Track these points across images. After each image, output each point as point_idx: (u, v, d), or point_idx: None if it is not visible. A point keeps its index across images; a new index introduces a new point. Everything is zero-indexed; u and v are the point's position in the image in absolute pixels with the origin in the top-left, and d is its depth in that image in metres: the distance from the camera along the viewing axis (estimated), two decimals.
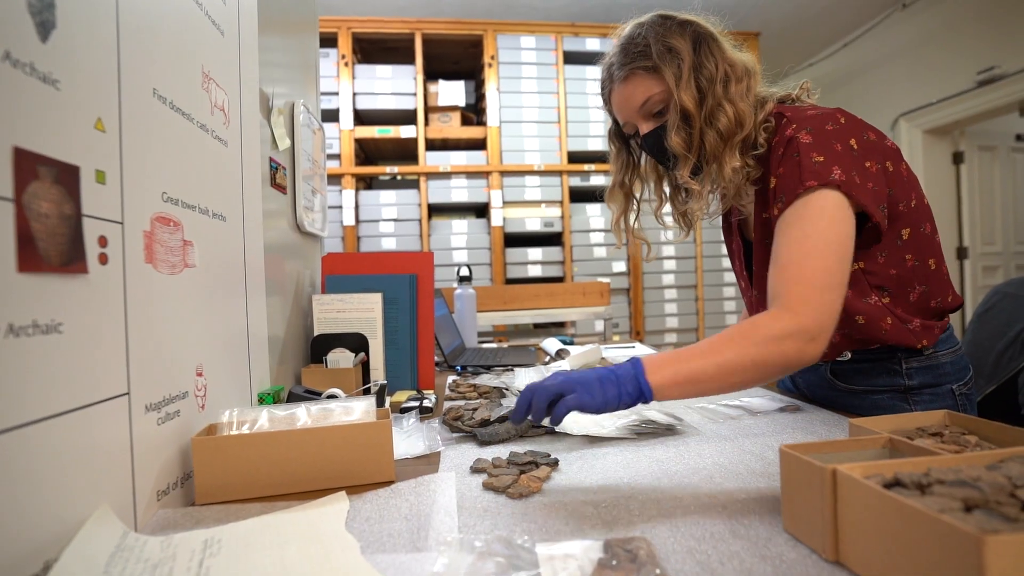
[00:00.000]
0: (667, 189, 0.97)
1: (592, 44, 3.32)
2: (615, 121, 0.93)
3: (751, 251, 0.93)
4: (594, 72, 3.29)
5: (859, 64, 4.18)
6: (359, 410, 0.69)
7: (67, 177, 0.43)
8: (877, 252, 0.81)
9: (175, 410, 0.60)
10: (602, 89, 0.92)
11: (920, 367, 0.85)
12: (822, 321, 0.67)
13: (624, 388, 0.62)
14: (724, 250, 3.38)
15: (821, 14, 3.83)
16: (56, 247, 0.41)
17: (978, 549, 0.29)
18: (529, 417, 0.64)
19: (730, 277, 3.43)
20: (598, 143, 3.27)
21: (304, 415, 0.68)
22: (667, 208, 0.99)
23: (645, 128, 0.86)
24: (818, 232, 0.71)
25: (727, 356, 0.64)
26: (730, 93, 0.80)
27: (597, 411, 0.62)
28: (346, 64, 3.08)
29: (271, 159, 1.00)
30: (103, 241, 0.47)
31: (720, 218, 1.02)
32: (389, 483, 0.62)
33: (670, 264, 3.36)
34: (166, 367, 0.58)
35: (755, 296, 0.93)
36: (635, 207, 0.98)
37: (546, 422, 0.64)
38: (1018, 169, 4.00)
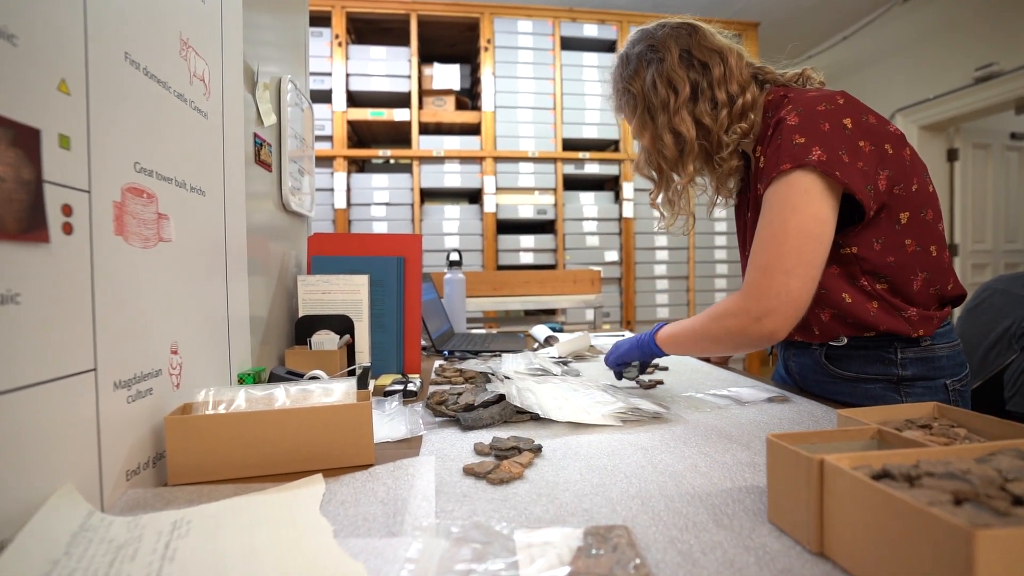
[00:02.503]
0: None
1: (590, 30, 3.28)
2: None
3: None
4: (591, 59, 3.25)
5: (857, 58, 4.16)
6: (339, 392, 0.67)
7: (26, 140, 0.41)
8: (873, 239, 0.80)
9: (147, 388, 0.58)
10: None
11: (916, 358, 0.84)
12: (767, 303, 0.74)
13: (644, 349, 0.91)
14: (716, 242, 3.42)
15: (822, 6, 3.80)
16: (13, 213, 0.39)
17: (968, 543, 0.28)
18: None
19: (721, 269, 3.43)
20: (593, 131, 3.24)
21: (283, 396, 0.66)
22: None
23: None
24: (780, 220, 0.75)
25: (696, 328, 0.83)
26: (672, 119, 0.87)
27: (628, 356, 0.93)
28: (339, 44, 3.03)
29: (256, 135, 0.98)
30: (67, 210, 0.45)
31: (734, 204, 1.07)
32: (368, 466, 0.61)
33: (662, 255, 3.35)
34: (137, 344, 0.56)
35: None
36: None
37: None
38: (1011, 167, 4.01)
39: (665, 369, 1.20)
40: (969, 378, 0.88)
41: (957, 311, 1.16)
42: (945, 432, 0.50)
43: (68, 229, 0.45)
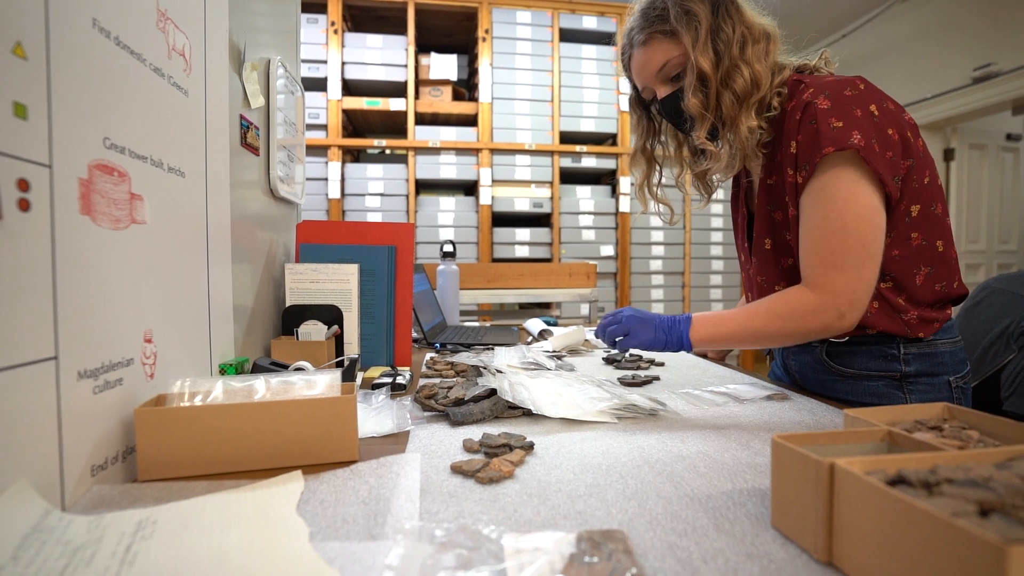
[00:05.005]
0: (687, 155, 0.97)
1: (589, 22, 3.24)
2: (635, 88, 0.94)
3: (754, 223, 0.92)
4: (589, 51, 3.21)
5: (856, 56, 4.14)
6: (323, 384, 0.64)
7: None
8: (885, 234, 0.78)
9: (116, 378, 0.54)
10: (622, 55, 0.92)
11: (919, 353, 0.82)
12: (847, 299, 0.74)
13: (671, 338, 0.82)
14: (712, 238, 3.39)
15: (822, 2, 3.78)
16: None
17: (1001, 560, 0.26)
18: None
19: (717, 265, 3.41)
20: (591, 124, 3.21)
21: (263, 388, 0.63)
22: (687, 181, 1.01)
23: (663, 92, 0.87)
24: (836, 213, 0.74)
25: (758, 326, 0.78)
26: (747, 55, 0.80)
27: (647, 348, 0.84)
28: (335, 31, 2.98)
29: (242, 117, 0.94)
30: (24, 185, 0.41)
31: (729, 194, 1.03)
32: (351, 463, 0.58)
33: (658, 250, 3.33)
34: (106, 331, 0.53)
35: (753, 266, 0.92)
36: (658, 171, 0.99)
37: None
38: (1007, 168, 4.01)
39: (661, 364, 1.18)
40: (970, 376, 0.87)
41: (956, 309, 1.14)
42: (957, 435, 0.48)
43: (25, 205, 0.42)
